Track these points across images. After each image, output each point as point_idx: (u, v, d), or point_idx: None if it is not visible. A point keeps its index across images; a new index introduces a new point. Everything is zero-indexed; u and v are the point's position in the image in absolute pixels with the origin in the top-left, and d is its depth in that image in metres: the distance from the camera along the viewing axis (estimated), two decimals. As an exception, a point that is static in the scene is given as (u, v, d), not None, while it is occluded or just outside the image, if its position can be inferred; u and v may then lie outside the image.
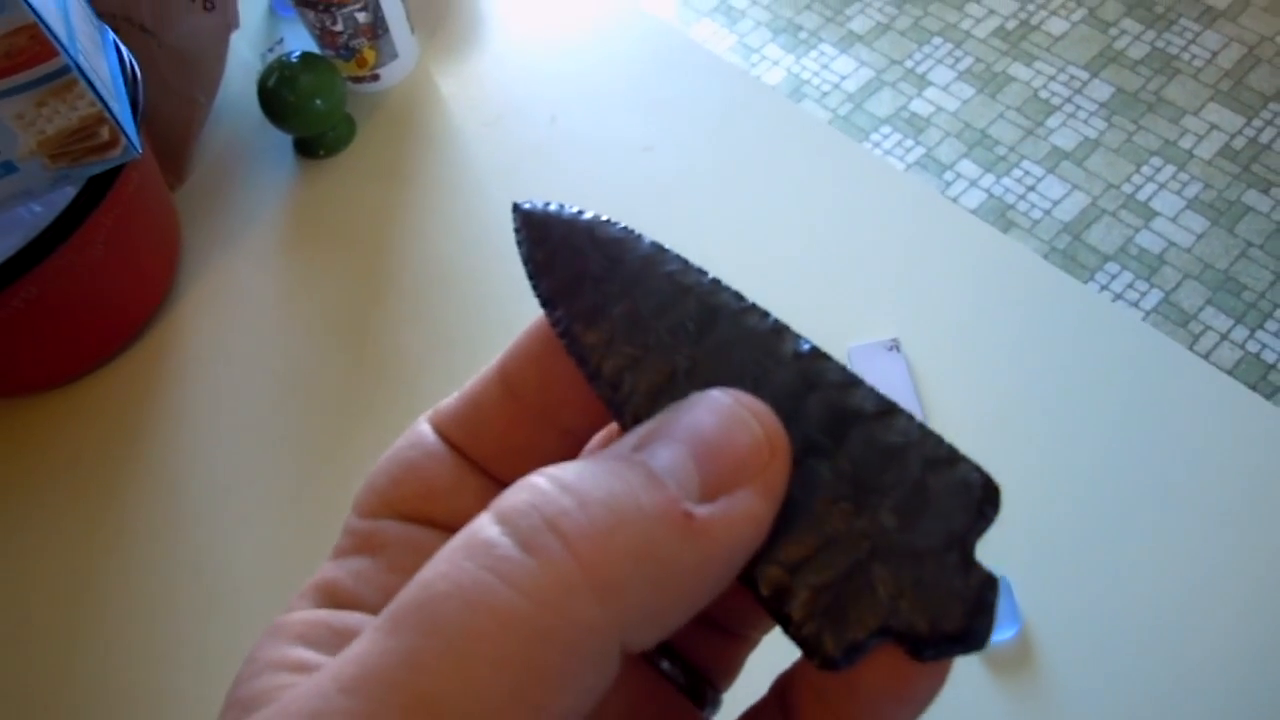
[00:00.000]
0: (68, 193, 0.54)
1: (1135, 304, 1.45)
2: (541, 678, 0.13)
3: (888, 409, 0.16)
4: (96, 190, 0.54)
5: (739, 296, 0.17)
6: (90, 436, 0.59)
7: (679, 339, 0.17)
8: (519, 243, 0.18)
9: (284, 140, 0.70)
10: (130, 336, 0.62)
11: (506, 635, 0.13)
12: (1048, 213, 1.56)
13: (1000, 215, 1.56)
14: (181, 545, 0.55)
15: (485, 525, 0.14)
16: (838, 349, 0.56)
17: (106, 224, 0.55)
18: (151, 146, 0.62)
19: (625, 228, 0.18)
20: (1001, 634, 0.48)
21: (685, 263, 0.18)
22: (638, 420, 0.17)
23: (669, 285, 0.17)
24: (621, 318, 0.17)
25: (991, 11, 1.81)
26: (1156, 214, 1.54)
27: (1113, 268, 1.49)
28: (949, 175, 1.62)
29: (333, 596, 0.17)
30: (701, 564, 0.14)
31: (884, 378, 0.54)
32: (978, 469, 0.16)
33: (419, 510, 0.18)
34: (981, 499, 0.16)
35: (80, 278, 0.55)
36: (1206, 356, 1.39)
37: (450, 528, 0.17)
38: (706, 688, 0.19)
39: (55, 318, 0.56)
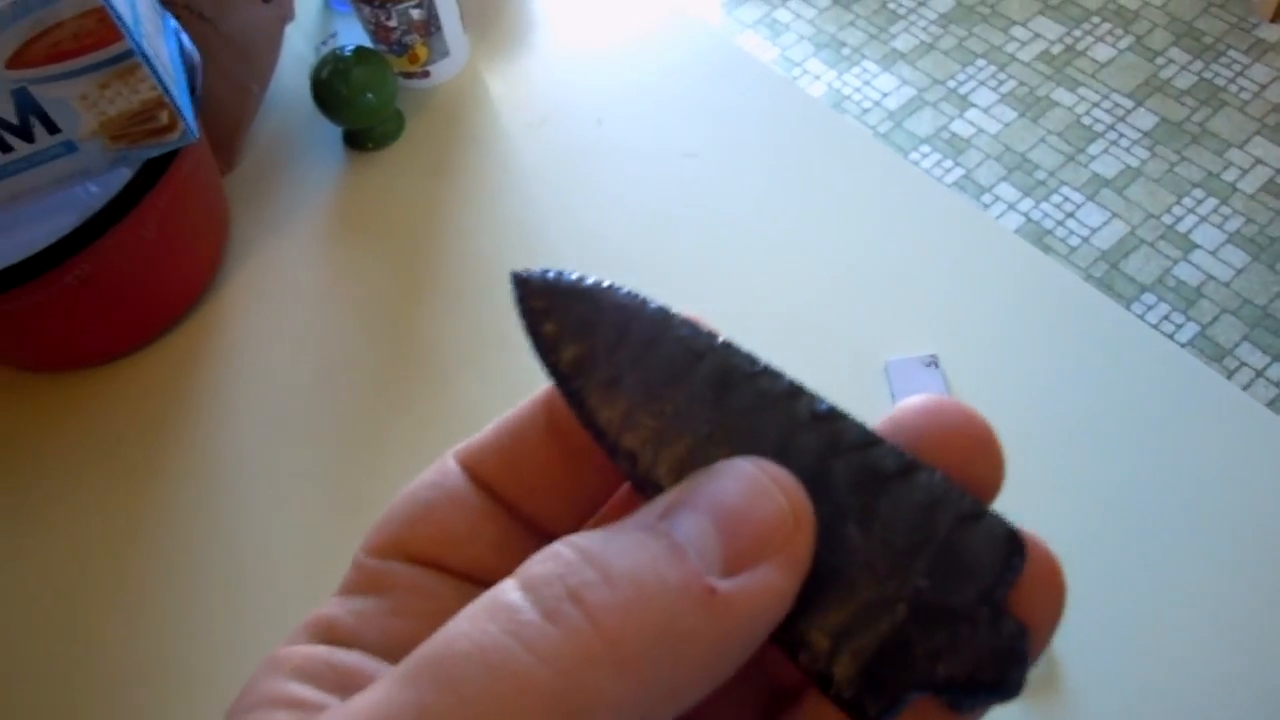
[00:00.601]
0: (123, 174, 0.55)
1: (1171, 336, 1.44)
2: None
3: (911, 466, 0.16)
4: (152, 173, 0.55)
5: (752, 360, 0.17)
6: (133, 414, 0.60)
7: (697, 407, 0.17)
8: (522, 314, 0.18)
9: (333, 132, 0.71)
10: (176, 318, 0.63)
11: (524, 701, 0.13)
12: (1086, 240, 1.55)
13: (1038, 240, 1.56)
14: (218, 525, 0.56)
15: (509, 590, 0.14)
16: (876, 362, 0.56)
17: (160, 206, 0.56)
18: (204, 133, 0.63)
19: (630, 292, 0.18)
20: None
21: (694, 326, 0.17)
22: (657, 489, 0.17)
23: (681, 351, 0.17)
24: (637, 389, 0.17)
25: (1037, 35, 1.80)
26: (1196, 246, 1.53)
27: (1149, 298, 1.48)
28: (987, 198, 1.62)
29: (333, 633, 0.17)
30: (722, 639, 0.14)
31: (921, 393, 0.54)
32: (1003, 522, 0.16)
33: (432, 555, 0.18)
34: (1009, 552, 0.16)
35: (131, 258, 0.56)
36: (1243, 390, 1.37)
37: (463, 575, 0.18)
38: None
39: (105, 296, 0.57)
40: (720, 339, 0.17)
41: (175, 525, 0.56)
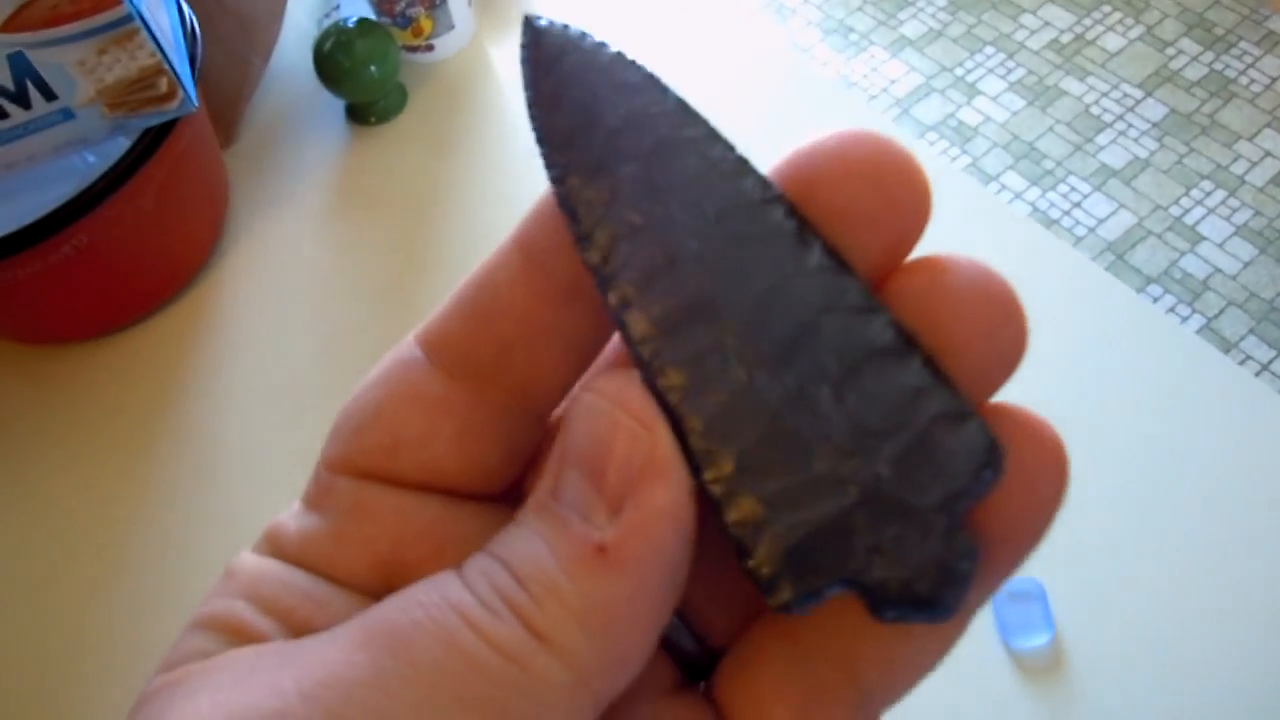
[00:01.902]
0: (121, 144, 0.54)
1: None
2: None
3: (906, 347, 0.15)
4: (150, 143, 0.54)
5: (766, 184, 0.15)
6: (130, 388, 0.59)
7: (691, 219, 0.15)
8: (523, 61, 0.16)
9: (335, 106, 0.70)
10: (175, 291, 0.62)
11: (475, 678, 0.13)
12: (1092, 230, 1.54)
13: (1044, 230, 1.55)
14: (215, 500, 0.55)
15: (449, 580, 0.14)
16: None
17: (158, 177, 0.55)
18: (205, 105, 0.62)
19: (650, 74, 0.16)
20: (1035, 641, 0.47)
21: (711, 131, 0.15)
22: (623, 302, 0.15)
23: (690, 156, 0.15)
24: (630, 179, 0.15)
25: (1046, 24, 1.79)
26: (1203, 239, 1.52)
27: (1155, 290, 1.48)
28: (994, 186, 1.61)
29: (282, 549, 0.16)
30: (638, 584, 0.14)
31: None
32: (986, 429, 0.15)
33: (379, 466, 0.16)
34: (984, 462, 0.15)
35: (129, 229, 0.56)
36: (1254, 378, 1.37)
37: (417, 484, 0.16)
38: (715, 654, 0.18)
39: (103, 268, 0.56)
40: (736, 153, 0.15)
41: (172, 499, 0.55)
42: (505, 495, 0.17)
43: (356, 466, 0.16)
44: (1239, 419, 0.53)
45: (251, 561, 0.16)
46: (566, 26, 0.16)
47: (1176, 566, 0.49)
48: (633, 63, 0.16)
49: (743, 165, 0.15)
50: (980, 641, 0.48)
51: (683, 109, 0.16)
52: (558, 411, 0.17)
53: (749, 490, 0.15)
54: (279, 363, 0.60)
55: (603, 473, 0.14)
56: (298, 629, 0.15)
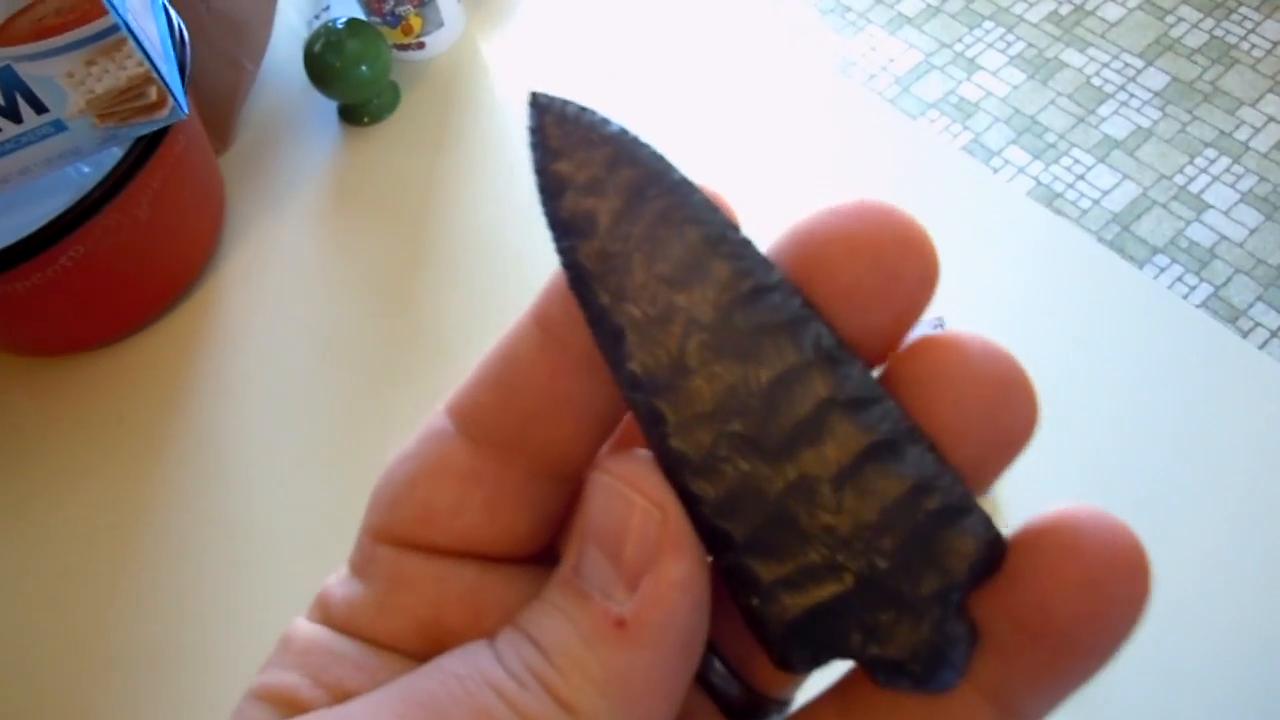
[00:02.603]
0: (115, 154, 0.54)
1: (1184, 298, 1.42)
2: None
3: (906, 437, 0.15)
4: (143, 152, 0.54)
5: (769, 267, 0.15)
6: (132, 397, 0.60)
7: (697, 307, 0.15)
8: (532, 145, 0.16)
9: (329, 107, 0.70)
10: (174, 298, 0.63)
11: None
12: (1096, 202, 1.53)
13: (1048, 204, 1.54)
14: (219, 506, 0.55)
15: (482, 652, 0.15)
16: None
17: (153, 185, 0.55)
18: (198, 111, 0.62)
19: (656, 153, 0.16)
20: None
21: (717, 214, 0.16)
22: (633, 384, 0.15)
23: (697, 239, 0.15)
24: (637, 268, 0.15)
25: (1045, -4, 1.78)
26: (1209, 207, 1.51)
27: (1162, 260, 1.47)
28: (996, 162, 1.60)
29: (330, 617, 0.17)
30: (656, 656, 0.15)
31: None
32: (987, 523, 0.15)
33: (416, 536, 0.17)
34: (980, 558, 0.15)
35: (126, 238, 0.56)
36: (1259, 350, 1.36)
37: (450, 551, 0.17)
38: (763, 699, 0.18)
39: (100, 278, 0.57)
40: (742, 235, 0.15)
41: (178, 506, 0.56)
42: (539, 557, 0.18)
43: (394, 536, 0.17)
44: (1244, 393, 0.53)
45: (304, 630, 0.17)
46: (569, 103, 0.16)
47: (1179, 538, 0.49)
48: (637, 140, 0.16)
49: (745, 247, 0.15)
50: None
51: (686, 187, 0.16)
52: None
53: (756, 571, 0.15)
54: (280, 366, 0.60)
55: (620, 550, 0.15)
56: (346, 699, 0.16)
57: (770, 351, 0.15)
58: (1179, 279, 1.45)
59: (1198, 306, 1.41)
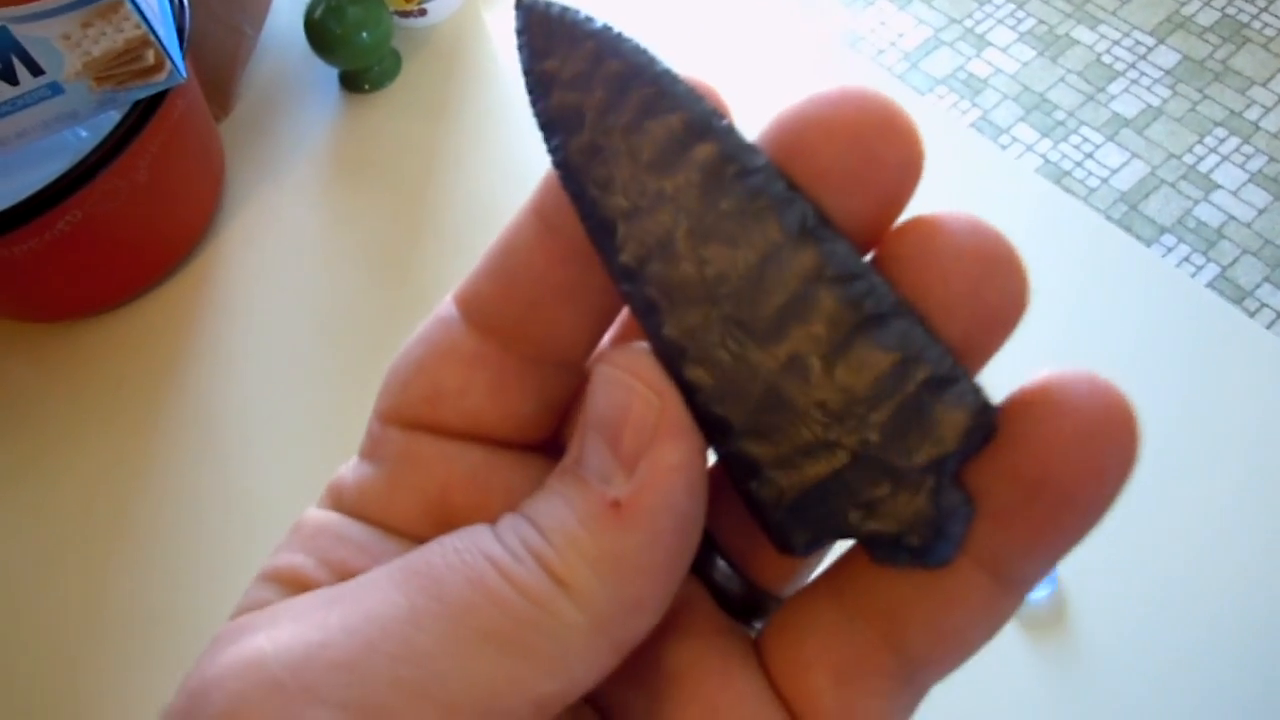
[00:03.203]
0: (113, 117, 0.54)
1: (1191, 277, 1.41)
2: (526, 657, 0.14)
3: (894, 311, 0.15)
4: (142, 116, 0.53)
5: (753, 151, 0.15)
6: (129, 364, 0.59)
7: (682, 194, 0.15)
8: (520, 47, 0.16)
9: (329, 74, 0.70)
10: (172, 265, 0.62)
11: (500, 616, 0.14)
12: (1105, 181, 1.52)
13: (1056, 182, 1.53)
14: (216, 474, 0.55)
15: (482, 530, 0.16)
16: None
17: (151, 150, 0.55)
18: (198, 77, 0.62)
19: (639, 47, 0.16)
20: (1036, 593, 0.47)
21: (701, 101, 0.15)
22: (626, 275, 0.16)
23: (680, 126, 0.15)
24: (623, 156, 0.16)
25: (1056, -28, 1.76)
26: (1217, 186, 1.50)
27: (1169, 239, 1.46)
28: (1005, 139, 1.59)
29: (339, 501, 0.18)
30: (651, 536, 0.15)
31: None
32: (976, 390, 0.15)
33: (424, 416, 0.18)
34: (973, 425, 0.15)
35: (124, 204, 0.55)
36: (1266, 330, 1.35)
37: (459, 432, 0.18)
38: (765, 595, 0.19)
39: (98, 243, 0.56)
40: (726, 121, 0.15)
41: (177, 473, 0.56)
42: (545, 446, 0.19)
43: (404, 417, 0.18)
44: (1251, 373, 0.53)
45: (314, 516, 0.18)
46: (552, 6, 0.16)
47: (1180, 519, 0.49)
48: (620, 36, 0.16)
49: (729, 134, 0.15)
50: (984, 597, 0.48)
51: (669, 78, 0.16)
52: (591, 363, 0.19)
53: (752, 451, 0.16)
54: (279, 333, 0.60)
55: (619, 436, 0.15)
56: (350, 578, 0.16)
57: (756, 233, 0.15)
58: (1186, 258, 1.44)
59: (1205, 286, 1.40)
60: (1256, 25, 1.65)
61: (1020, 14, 1.72)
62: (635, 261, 0.16)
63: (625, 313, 0.18)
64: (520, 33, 0.16)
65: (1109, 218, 1.48)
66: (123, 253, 0.59)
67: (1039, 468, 0.15)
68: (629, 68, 0.16)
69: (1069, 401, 0.15)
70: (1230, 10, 1.67)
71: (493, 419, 0.18)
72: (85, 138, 0.59)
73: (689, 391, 0.16)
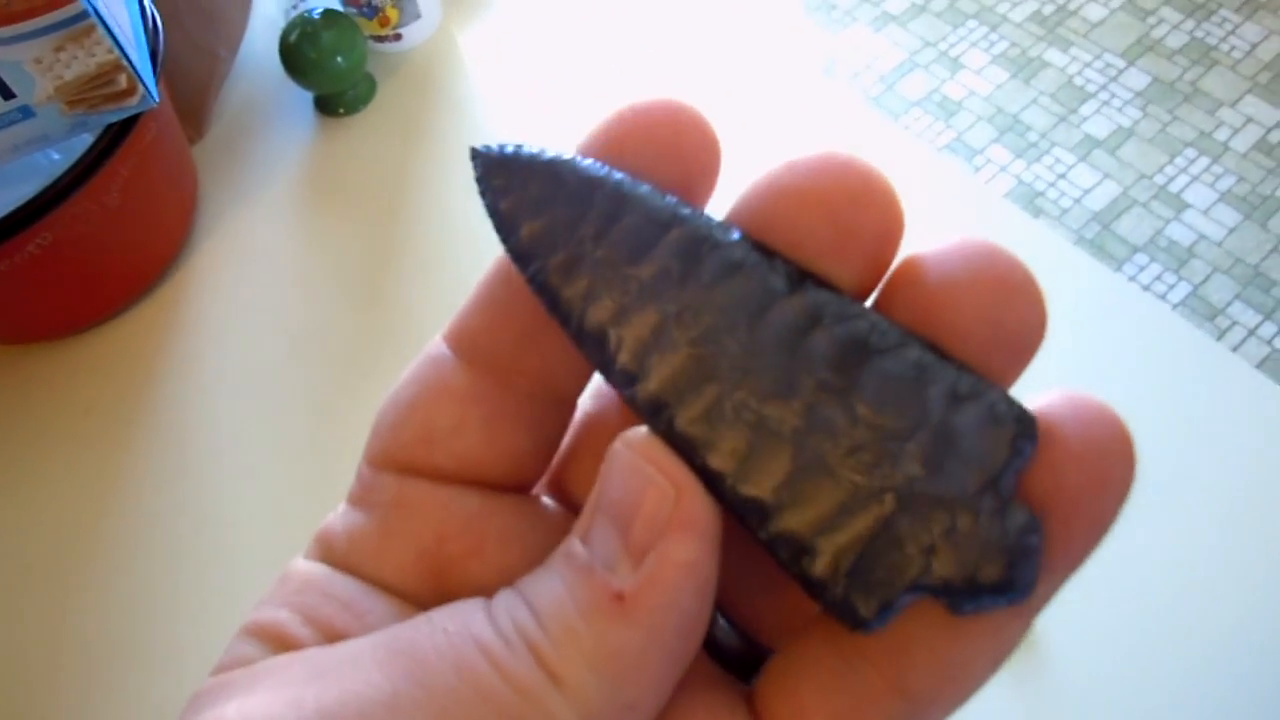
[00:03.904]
0: (85, 140, 0.54)
1: (1163, 296, 1.43)
2: None
3: (901, 341, 0.14)
4: (114, 139, 0.54)
5: (724, 226, 0.15)
6: (102, 386, 0.59)
7: (663, 285, 0.15)
8: (482, 193, 0.17)
9: (304, 98, 0.70)
10: (145, 287, 0.62)
11: (486, 709, 0.14)
12: (1078, 201, 1.54)
13: (1029, 202, 1.55)
14: (189, 496, 0.55)
15: (476, 610, 0.15)
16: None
17: (123, 173, 0.55)
18: (171, 100, 0.62)
19: (593, 163, 0.16)
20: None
21: (660, 196, 0.16)
22: (627, 380, 0.15)
23: (647, 225, 0.15)
24: (599, 265, 0.15)
25: (1029, -5, 1.78)
26: (1188, 206, 1.52)
27: (1141, 259, 1.47)
28: (979, 160, 1.60)
29: (329, 552, 0.17)
30: (651, 638, 0.14)
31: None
32: (1007, 399, 0.14)
33: (418, 459, 0.17)
34: (1016, 433, 0.14)
35: (95, 226, 0.55)
36: (1233, 351, 1.37)
37: (454, 475, 0.17)
38: (765, 651, 0.18)
39: (69, 266, 0.56)
40: (691, 208, 0.15)
41: (146, 497, 0.55)
42: (533, 486, 0.18)
43: (396, 461, 0.17)
44: (1219, 398, 0.53)
45: (301, 568, 0.17)
46: (504, 146, 0.17)
47: (1147, 540, 0.50)
48: (573, 159, 0.16)
49: (697, 217, 0.15)
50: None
51: (628, 183, 0.16)
52: (583, 399, 0.18)
53: (792, 523, 0.15)
54: (252, 356, 0.60)
55: (630, 525, 0.15)
56: (335, 639, 0.16)
57: (742, 299, 0.15)
58: (1158, 277, 1.46)
59: (1176, 305, 1.42)
60: (1225, 47, 1.68)
61: (993, 37, 1.74)
62: (633, 362, 0.15)
63: None
64: (480, 179, 0.17)
65: (1082, 238, 1.50)
66: (94, 275, 0.59)
67: (1046, 488, 0.14)
68: (586, 183, 0.16)
69: (1070, 419, 0.15)
70: (1199, 33, 1.70)
71: (488, 458, 0.17)
72: (57, 160, 0.59)
73: (714, 480, 0.15)
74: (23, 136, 0.51)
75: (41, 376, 0.60)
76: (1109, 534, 0.15)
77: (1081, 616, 0.48)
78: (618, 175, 0.16)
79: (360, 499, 0.17)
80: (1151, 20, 1.73)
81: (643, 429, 0.15)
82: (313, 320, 0.61)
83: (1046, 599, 0.15)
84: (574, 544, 0.15)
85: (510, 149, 0.17)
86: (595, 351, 0.16)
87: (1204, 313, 1.42)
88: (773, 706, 0.16)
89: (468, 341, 0.17)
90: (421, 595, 0.16)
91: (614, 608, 0.14)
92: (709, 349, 0.15)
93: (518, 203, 0.16)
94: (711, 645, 0.18)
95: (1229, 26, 1.70)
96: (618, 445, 0.15)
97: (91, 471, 0.56)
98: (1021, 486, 0.14)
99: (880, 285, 0.16)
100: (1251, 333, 1.40)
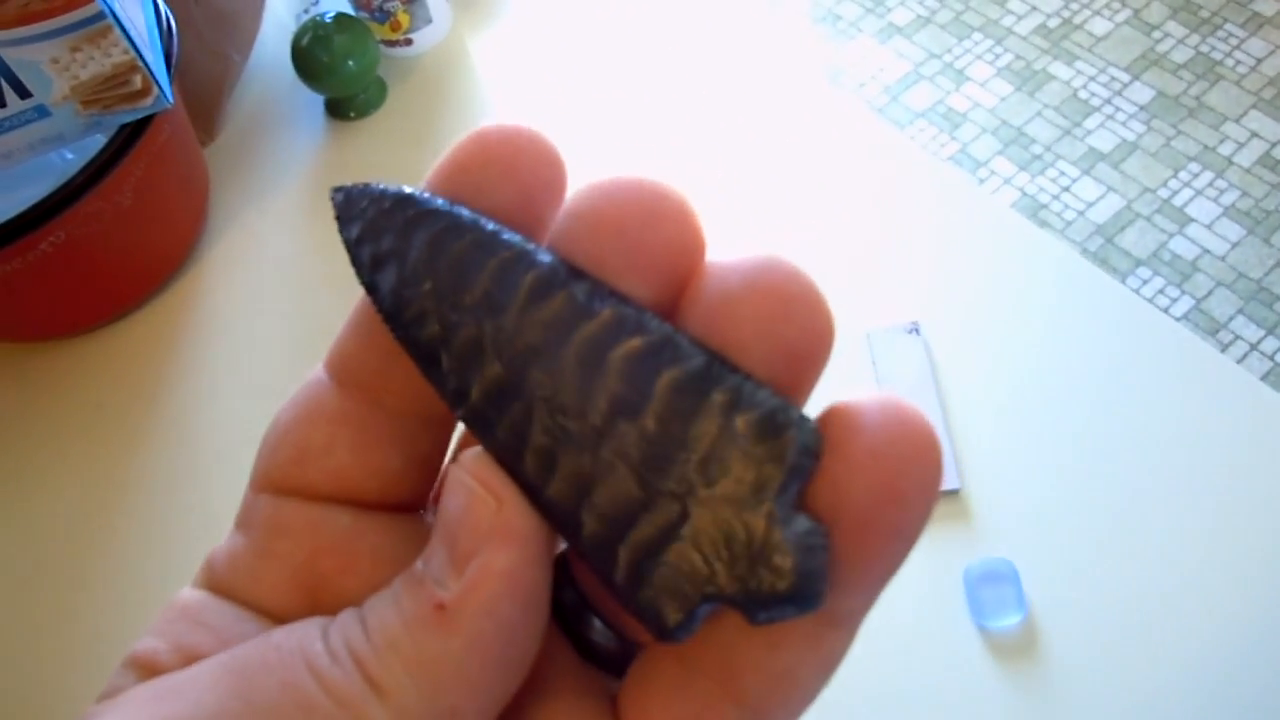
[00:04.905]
0: (99, 141, 0.54)
1: (1165, 310, 1.44)
2: None
3: (689, 352, 0.15)
4: (127, 140, 0.54)
5: (542, 250, 0.16)
6: (113, 384, 0.60)
7: (482, 311, 0.16)
8: (339, 229, 0.17)
9: (315, 101, 0.70)
10: (156, 287, 0.63)
11: (307, 719, 0.14)
12: (1081, 214, 1.54)
13: (1033, 215, 1.55)
14: (197, 495, 0.56)
15: (311, 627, 0.15)
16: (857, 332, 0.56)
17: (135, 173, 0.55)
18: (184, 102, 0.63)
19: (429, 197, 0.17)
20: (1006, 620, 0.47)
21: (482, 228, 0.16)
22: (457, 399, 0.16)
23: (471, 254, 0.16)
24: (428, 296, 0.16)
25: (1034, 8, 1.79)
26: (1192, 220, 1.52)
27: (1144, 272, 1.48)
28: (983, 172, 1.61)
29: (211, 578, 0.18)
30: (471, 646, 0.14)
31: (902, 361, 0.54)
32: (786, 408, 0.14)
33: (295, 479, 0.17)
34: (798, 442, 0.14)
35: (108, 226, 0.56)
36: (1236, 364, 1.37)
37: (324, 494, 0.17)
38: (636, 648, 0.18)
39: (82, 264, 0.57)
40: (515, 239, 0.16)
41: (156, 494, 0.56)
42: (417, 506, 0.19)
43: (273, 482, 0.18)
44: (1219, 405, 0.54)
45: (182, 597, 0.17)
46: (363, 185, 0.17)
47: (1148, 548, 0.50)
48: (413, 195, 0.17)
49: (521, 247, 0.16)
50: (952, 622, 0.49)
51: (456, 211, 0.16)
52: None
53: (599, 532, 0.15)
54: (260, 356, 0.60)
55: (454, 538, 0.15)
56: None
57: (551, 319, 0.15)
58: (1161, 291, 1.46)
59: (1179, 319, 1.42)
60: (1229, 63, 1.68)
61: (999, 49, 1.75)
62: (458, 381, 0.16)
63: None
64: (337, 217, 0.17)
65: (1085, 251, 1.50)
66: (106, 274, 0.59)
67: (835, 496, 0.14)
68: (419, 214, 0.16)
69: (863, 425, 0.14)
70: (1204, 48, 1.70)
71: (359, 476, 0.17)
72: (71, 160, 0.60)
73: (532, 492, 0.15)
74: (38, 135, 0.52)
75: (53, 374, 0.60)
76: (917, 540, 0.14)
77: (1080, 617, 0.48)
78: (453, 207, 0.16)
79: (240, 522, 0.18)
80: (1156, 35, 1.73)
81: (477, 448, 0.16)
82: (321, 321, 0.61)
83: (864, 608, 0.15)
84: (417, 563, 0.16)
85: (360, 185, 0.17)
86: (432, 373, 0.16)
87: (1206, 327, 1.42)
88: (628, 712, 0.16)
89: (340, 364, 0.18)
90: (296, 615, 0.16)
91: (435, 617, 0.15)
92: (520, 367, 0.15)
93: (364, 234, 0.17)
94: (588, 647, 0.18)
95: (1234, 41, 1.71)
96: (451, 464, 0.16)
97: (102, 468, 0.57)
98: (810, 494, 0.14)
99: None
100: (1254, 348, 1.40)
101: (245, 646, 0.15)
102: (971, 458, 0.52)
